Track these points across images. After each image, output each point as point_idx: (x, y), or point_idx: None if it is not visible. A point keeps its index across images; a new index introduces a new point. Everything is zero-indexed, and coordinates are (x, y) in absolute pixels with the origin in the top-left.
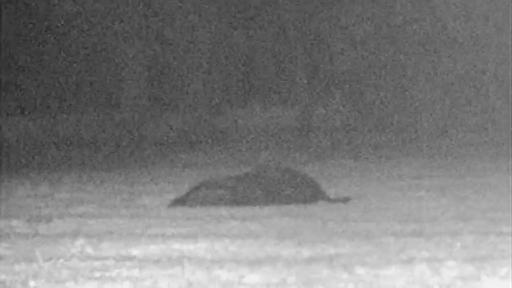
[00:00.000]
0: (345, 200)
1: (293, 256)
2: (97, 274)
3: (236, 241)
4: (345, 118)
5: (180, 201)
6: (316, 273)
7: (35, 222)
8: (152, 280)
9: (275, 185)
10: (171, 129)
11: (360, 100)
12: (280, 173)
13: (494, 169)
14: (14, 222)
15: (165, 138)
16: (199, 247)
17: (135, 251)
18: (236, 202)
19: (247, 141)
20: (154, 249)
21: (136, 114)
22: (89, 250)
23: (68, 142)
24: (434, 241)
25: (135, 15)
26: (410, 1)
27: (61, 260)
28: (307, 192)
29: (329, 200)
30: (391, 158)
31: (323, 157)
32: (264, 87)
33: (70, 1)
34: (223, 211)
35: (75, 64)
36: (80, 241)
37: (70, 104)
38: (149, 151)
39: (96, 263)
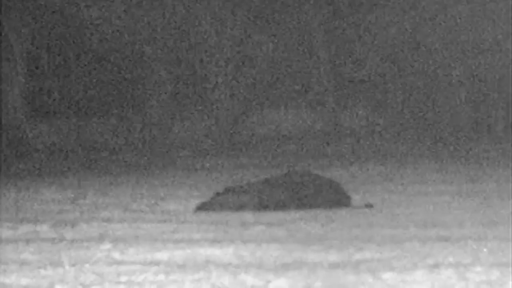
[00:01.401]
0: (368, 206)
1: (319, 261)
2: (123, 279)
3: (262, 246)
4: (370, 123)
5: (205, 206)
6: (342, 278)
7: (60, 227)
8: (178, 285)
9: (300, 190)
10: (196, 134)
11: (384, 105)
12: (305, 178)
13: None
14: (40, 227)
15: (190, 143)
16: (225, 252)
17: (161, 256)
18: (262, 207)
19: (272, 146)
20: (180, 254)
21: (161, 119)
22: (115, 254)
23: (94, 147)
24: (460, 246)
25: (159, 20)
26: (435, 7)
27: (87, 265)
28: (332, 197)
29: (354, 206)
30: (416, 163)
31: (348, 162)
32: (289, 92)
33: (95, 5)
34: (249, 216)
35: (100, 69)
36: (106, 246)
37: (96, 109)
38: (174, 156)
39: (122, 268)
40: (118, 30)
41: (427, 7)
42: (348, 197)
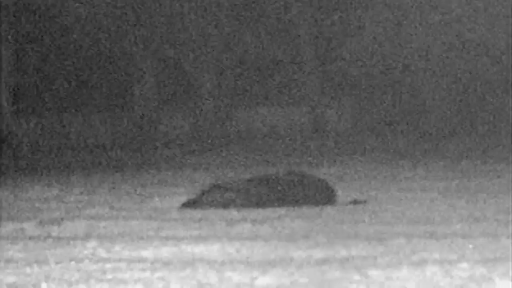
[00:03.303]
0: (356, 202)
1: (305, 258)
2: (109, 276)
3: (248, 243)
4: (356, 121)
5: (191, 203)
6: (328, 275)
7: (46, 224)
8: (164, 282)
9: (286, 187)
10: (182, 131)
11: (371, 103)
12: (291, 175)
13: (506, 171)
14: (25, 225)
15: (176, 140)
16: (211, 249)
17: (146, 253)
18: (247, 204)
19: (258, 143)
20: (166, 251)
21: (147, 116)
22: (101, 252)
23: (79, 144)
24: (445, 243)
25: (146, 17)
26: (422, 6)
27: (73, 263)
28: (318, 194)
29: (340, 203)
30: (402, 160)
31: (334, 159)
32: (275, 90)
33: (82, 4)
34: (235, 213)
35: (85, 66)
36: (91, 243)
37: (81, 106)
38: (160, 153)
39: (108, 265)
40: (104, 28)
41: (414, 5)
42: (335, 194)
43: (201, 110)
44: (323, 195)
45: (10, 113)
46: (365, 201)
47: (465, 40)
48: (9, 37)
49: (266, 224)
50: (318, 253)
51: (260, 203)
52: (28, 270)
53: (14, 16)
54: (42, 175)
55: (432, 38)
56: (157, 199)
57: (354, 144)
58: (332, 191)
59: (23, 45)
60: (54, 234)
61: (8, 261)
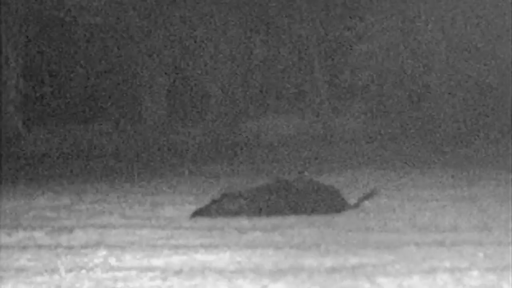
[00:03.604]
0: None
1: (316, 266)
2: (120, 285)
3: (258, 252)
4: (365, 128)
5: (201, 212)
6: (339, 283)
7: (56, 233)
8: None
9: (296, 195)
10: (192, 140)
11: (380, 110)
12: (301, 183)
13: None
14: (36, 234)
15: (186, 149)
16: (221, 258)
17: (157, 262)
18: (258, 212)
19: (268, 152)
20: (176, 259)
21: (157, 125)
22: (112, 261)
23: (90, 153)
24: (456, 251)
25: (155, 26)
26: (431, 12)
27: (83, 271)
28: (328, 202)
29: (351, 207)
30: (412, 169)
31: (344, 167)
32: (284, 98)
33: (92, 13)
34: (245, 221)
35: (96, 76)
36: (102, 252)
37: (92, 115)
38: (170, 162)
39: (119, 274)
40: (114, 37)
41: (422, 12)
42: (345, 203)
43: (211, 119)
44: (334, 203)
45: (20, 121)
46: (374, 194)
47: (475, 47)
48: (19, 46)
49: (276, 232)
50: (329, 261)
51: (270, 211)
52: (39, 279)
53: (25, 24)
54: (52, 184)
55: (441, 44)
56: (167, 208)
57: (363, 151)
58: (342, 199)
59: (33, 54)
60: (64, 243)
61: (19, 270)
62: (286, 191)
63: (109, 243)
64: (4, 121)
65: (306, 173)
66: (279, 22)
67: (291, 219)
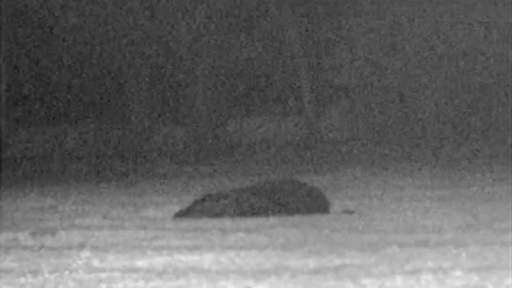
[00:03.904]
0: (349, 212)
1: (299, 267)
2: (103, 286)
3: (242, 253)
4: (349, 129)
5: (184, 213)
6: (322, 284)
7: (40, 234)
8: None
9: (280, 196)
10: (176, 140)
11: (364, 111)
12: (284, 184)
13: (499, 178)
14: (19, 235)
15: (170, 150)
16: (205, 259)
17: (140, 263)
18: (241, 213)
19: (252, 153)
20: (160, 261)
21: (140, 125)
22: (95, 262)
23: (73, 154)
24: (439, 251)
25: (139, 27)
26: (414, 11)
27: (67, 273)
28: (312, 203)
29: (333, 212)
30: (396, 169)
31: (327, 168)
32: (268, 99)
33: (76, 13)
34: (228, 222)
35: (79, 76)
36: (85, 253)
37: (75, 116)
38: (154, 163)
39: (102, 275)
40: (98, 37)
41: (407, 12)
42: (328, 203)
43: (195, 120)
44: (316, 204)
45: (3, 122)
46: (352, 212)
47: (460, 47)
48: (5, 46)
49: (260, 233)
50: (313, 262)
51: (253, 212)
52: (22, 280)
53: (10, 25)
54: (36, 185)
55: (425, 45)
56: (151, 209)
57: (348, 153)
58: (325, 200)
59: (18, 55)
60: (48, 244)
61: (2, 271)
62: (269, 192)
63: (92, 244)
64: None
65: (290, 175)
66: (263, 22)
67: (275, 220)
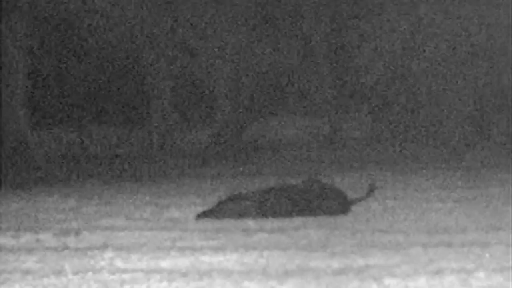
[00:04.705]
0: (372, 189)
1: (322, 267)
2: (127, 287)
3: (265, 253)
4: (372, 130)
5: (207, 214)
6: (346, 284)
7: (63, 235)
8: None
9: (302, 197)
10: (199, 141)
11: (386, 112)
12: (307, 184)
13: None
14: (42, 236)
15: (193, 151)
16: (228, 260)
17: (164, 264)
18: (264, 214)
19: (275, 154)
20: (183, 261)
21: (163, 126)
22: (118, 263)
23: (96, 155)
24: (462, 252)
25: (161, 28)
26: (437, 14)
27: (90, 273)
28: (335, 204)
29: (357, 212)
30: (419, 170)
31: (350, 168)
32: (291, 100)
33: (98, 14)
34: (251, 223)
35: (102, 78)
36: (109, 254)
37: (98, 117)
38: (177, 164)
39: (125, 276)
40: (120, 39)
41: (428, 13)
42: (349, 204)
43: (218, 120)
44: (339, 205)
45: (26, 124)
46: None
47: (481, 50)
48: (24, 49)
49: (283, 234)
50: (336, 263)
51: (276, 213)
52: (45, 281)
53: (31, 25)
54: (59, 185)
55: (447, 45)
56: (174, 209)
57: (370, 153)
58: (348, 200)
59: (39, 55)
60: (71, 245)
61: (25, 272)
62: (291, 193)
63: (115, 245)
64: (10, 124)
65: (313, 175)
66: (286, 23)
67: (298, 220)
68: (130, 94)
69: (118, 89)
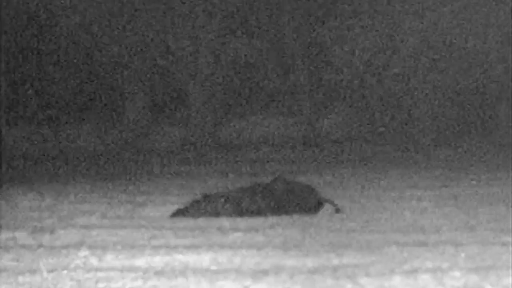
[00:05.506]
0: (338, 211)
1: (297, 266)
2: (101, 285)
3: (240, 252)
4: (348, 129)
5: (182, 212)
6: (320, 283)
7: (38, 233)
8: None
9: (278, 196)
10: (174, 140)
11: (363, 111)
12: (283, 184)
13: (497, 179)
14: (18, 234)
15: (168, 149)
16: (203, 258)
17: (139, 262)
18: (239, 213)
19: (250, 153)
20: (158, 260)
21: (138, 124)
22: (93, 261)
23: (71, 153)
24: (438, 251)
25: (137, 27)
26: (414, 11)
27: (65, 272)
28: (310, 203)
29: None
30: (395, 169)
31: (326, 168)
32: (267, 98)
33: (72, 13)
34: (226, 222)
35: (77, 75)
36: (84, 252)
37: (73, 115)
38: (152, 162)
39: (100, 274)
40: (95, 37)
41: (406, 12)
42: (322, 202)
43: (193, 119)
44: (315, 204)
45: (1, 121)
46: (340, 210)
47: (457, 48)
48: (2, 46)
49: (258, 233)
50: (310, 262)
51: (251, 212)
52: (20, 279)
53: (8, 25)
54: (34, 184)
55: (424, 46)
56: (148, 208)
57: (346, 152)
58: (319, 198)
59: (15, 55)
60: (46, 243)
61: (0, 270)
62: (265, 192)
63: (90, 243)
64: None
65: (283, 174)
66: (261, 22)
67: (272, 219)
68: (105, 93)
69: (94, 87)
